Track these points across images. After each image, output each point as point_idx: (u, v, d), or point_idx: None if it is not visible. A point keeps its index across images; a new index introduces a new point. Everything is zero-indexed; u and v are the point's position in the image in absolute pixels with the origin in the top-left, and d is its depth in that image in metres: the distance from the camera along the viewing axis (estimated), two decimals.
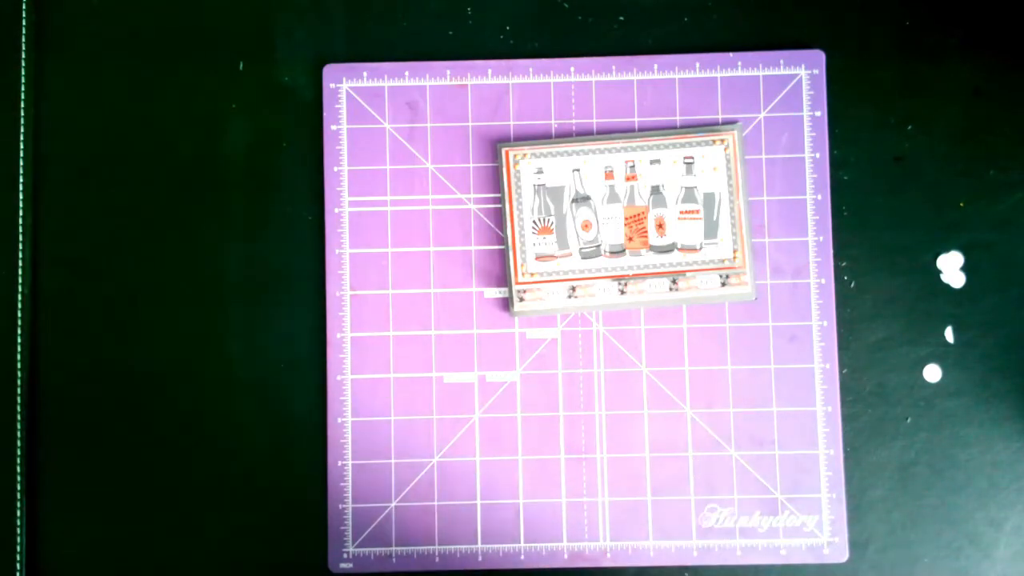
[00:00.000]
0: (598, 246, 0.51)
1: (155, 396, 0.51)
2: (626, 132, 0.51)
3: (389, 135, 0.52)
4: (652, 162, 0.51)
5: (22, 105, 0.51)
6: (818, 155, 0.52)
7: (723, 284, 0.51)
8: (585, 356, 0.51)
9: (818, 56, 0.52)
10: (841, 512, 0.50)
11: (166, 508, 0.50)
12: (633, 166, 0.51)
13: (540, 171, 0.51)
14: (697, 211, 0.51)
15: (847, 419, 0.51)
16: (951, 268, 0.51)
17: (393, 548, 0.50)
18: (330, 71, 0.52)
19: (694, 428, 0.51)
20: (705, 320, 0.51)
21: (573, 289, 0.51)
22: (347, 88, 0.52)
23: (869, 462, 0.51)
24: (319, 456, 0.51)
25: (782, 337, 0.51)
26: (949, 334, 0.51)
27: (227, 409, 0.51)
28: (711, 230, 0.51)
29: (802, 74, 0.52)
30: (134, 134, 0.52)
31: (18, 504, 0.50)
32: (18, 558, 0.50)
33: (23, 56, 0.52)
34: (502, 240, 0.51)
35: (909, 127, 0.52)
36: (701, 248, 0.51)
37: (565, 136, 0.52)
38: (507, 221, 0.51)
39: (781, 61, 0.52)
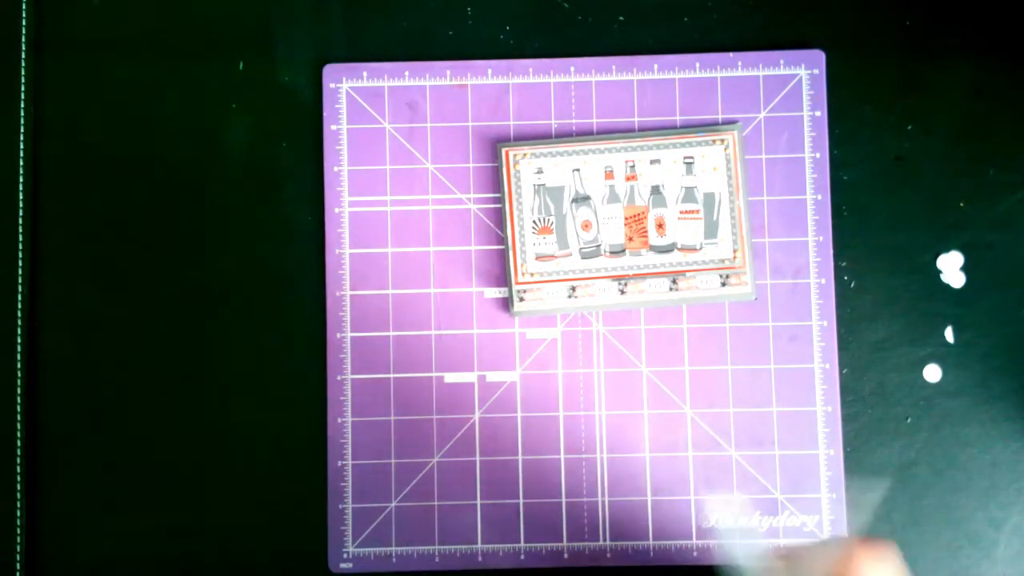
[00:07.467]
0: (598, 246, 0.51)
1: (155, 396, 0.51)
2: (626, 132, 0.51)
3: (389, 135, 0.52)
4: (652, 162, 0.51)
5: (22, 105, 0.51)
6: (818, 155, 0.51)
7: (723, 284, 0.51)
8: (585, 356, 0.51)
9: (818, 56, 0.52)
10: (841, 512, 0.50)
11: (166, 508, 0.50)
12: (633, 166, 0.51)
13: (540, 171, 0.51)
14: (697, 211, 0.51)
15: (847, 419, 0.51)
16: (951, 268, 0.51)
17: (393, 548, 0.50)
18: (330, 71, 0.52)
19: (694, 428, 0.51)
20: (705, 320, 0.51)
21: (573, 289, 0.51)
22: (347, 88, 0.52)
23: (869, 462, 0.51)
24: (319, 456, 0.51)
25: (782, 337, 0.51)
26: (949, 334, 0.51)
27: (227, 409, 0.51)
28: (711, 230, 0.51)
29: (802, 74, 0.52)
30: (134, 134, 0.52)
31: (18, 504, 0.50)
32: (18, 558, 0.50)
33: (23, 56, 0.52)
34: (502, 240, 0.51)
35: (909, 127, 0.52)
36: (701, 248, 0.51)
37: (565, 136, 0.52)
38: (507, 221, 0.51)
39: (781, 61, 0.52)
